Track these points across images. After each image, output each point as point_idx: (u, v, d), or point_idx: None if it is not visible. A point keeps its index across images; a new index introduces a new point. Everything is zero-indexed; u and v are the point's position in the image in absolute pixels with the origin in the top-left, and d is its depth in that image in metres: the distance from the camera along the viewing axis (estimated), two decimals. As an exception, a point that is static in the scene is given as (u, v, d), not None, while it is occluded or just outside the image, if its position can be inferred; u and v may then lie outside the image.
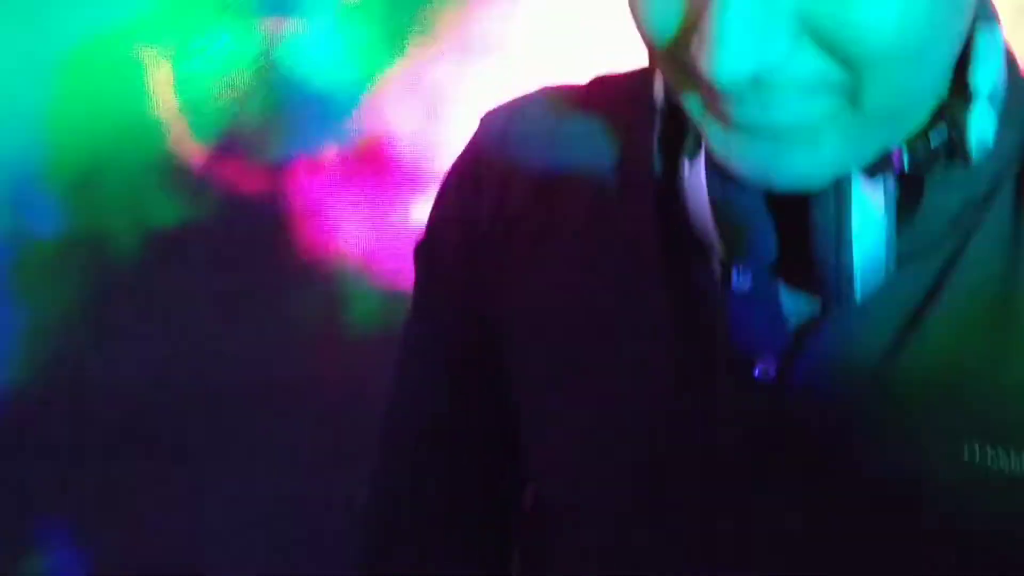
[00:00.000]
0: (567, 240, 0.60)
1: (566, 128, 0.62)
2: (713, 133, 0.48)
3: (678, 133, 0.53)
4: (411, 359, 0.71)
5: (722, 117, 0.46)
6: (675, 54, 0.45)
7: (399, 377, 0.71)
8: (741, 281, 0.52)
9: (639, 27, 0.47)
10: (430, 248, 0.68)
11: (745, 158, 0.47)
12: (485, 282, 0.63)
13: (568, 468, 0.61)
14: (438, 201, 0.68)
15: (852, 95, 0.44)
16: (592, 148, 0.61)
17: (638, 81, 0.60)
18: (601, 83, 0.65)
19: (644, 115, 0.57)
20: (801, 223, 0.49)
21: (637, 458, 0.57)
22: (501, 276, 0.62)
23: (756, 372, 0.54)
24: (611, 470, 0.58)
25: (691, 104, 0.48)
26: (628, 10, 0.47)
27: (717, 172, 0.49)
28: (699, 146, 0.50)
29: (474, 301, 0.64)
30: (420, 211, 1.09)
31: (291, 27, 1.53)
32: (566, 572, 0.64)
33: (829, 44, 0.42)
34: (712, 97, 0.45)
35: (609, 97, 0.63)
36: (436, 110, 1.52)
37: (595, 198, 0.60)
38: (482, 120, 0.66)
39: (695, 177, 0.51)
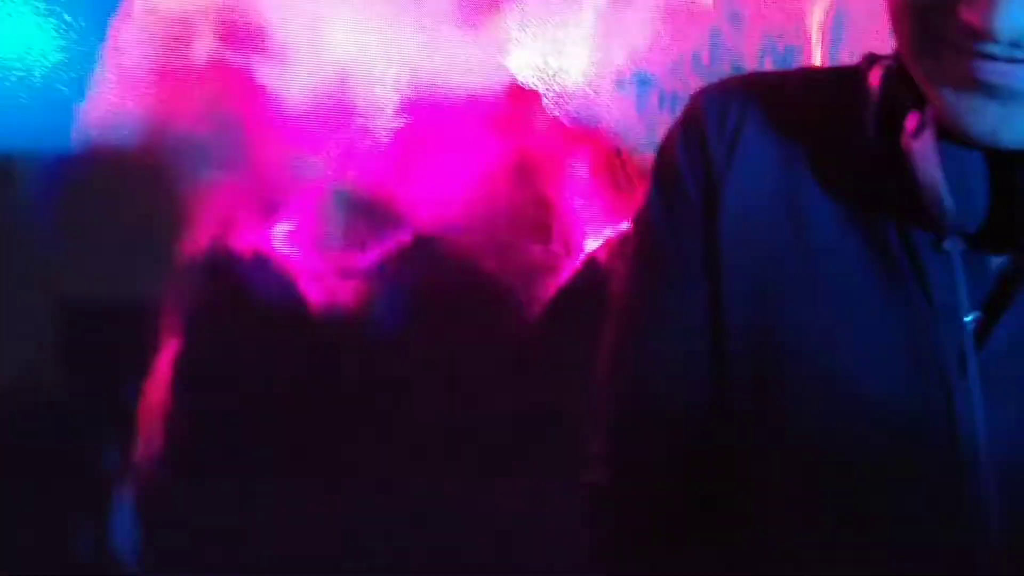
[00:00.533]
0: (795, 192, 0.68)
1: (784, 99, 0.71)
2: (947, 94, 0.56)
3: (891, 115, 0.61)
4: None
5: (963, 80, 0.54)
6: (934, 17, 0.54)
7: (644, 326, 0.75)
8: (954, 241, 0.60)
9: None
10: (668, 201, 0.72)
11: (976, 117, 0.55)
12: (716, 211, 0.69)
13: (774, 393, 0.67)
14: (669, 152, 0.73)
15: None
16: (808, 121, 0.69)
17: (835, 74, 0.72)
18: (805, 72, 0.84)
19: (851, 99, 0.65)
20: (1011, 188, 0.57)
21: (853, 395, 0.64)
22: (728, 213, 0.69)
23: (968, 322, 0.61)
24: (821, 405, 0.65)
25: (929, 67, 0.57)
26: None
27: (942, 142, 0.57)
28: (925, 122, 0.58)
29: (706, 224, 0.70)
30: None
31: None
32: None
33: None
34: (965, 57, 0.54)
35: (818, 82, 0.73)
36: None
37: (816, 165, 0.67)
38: (701, 95, 0.73)
39: (922, 144, 0.58)
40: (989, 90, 0.54)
